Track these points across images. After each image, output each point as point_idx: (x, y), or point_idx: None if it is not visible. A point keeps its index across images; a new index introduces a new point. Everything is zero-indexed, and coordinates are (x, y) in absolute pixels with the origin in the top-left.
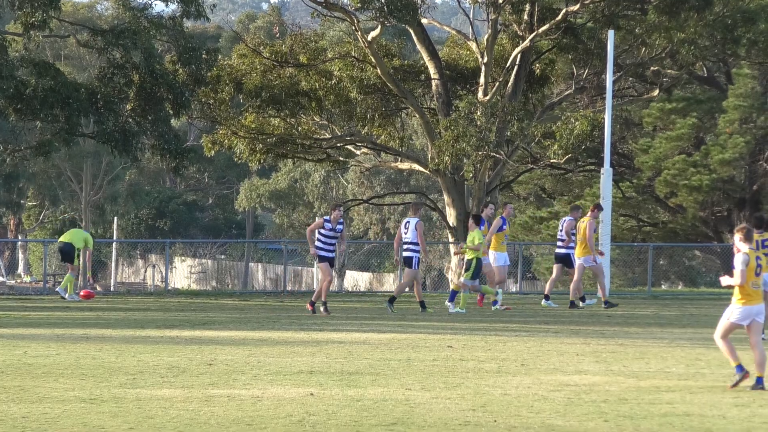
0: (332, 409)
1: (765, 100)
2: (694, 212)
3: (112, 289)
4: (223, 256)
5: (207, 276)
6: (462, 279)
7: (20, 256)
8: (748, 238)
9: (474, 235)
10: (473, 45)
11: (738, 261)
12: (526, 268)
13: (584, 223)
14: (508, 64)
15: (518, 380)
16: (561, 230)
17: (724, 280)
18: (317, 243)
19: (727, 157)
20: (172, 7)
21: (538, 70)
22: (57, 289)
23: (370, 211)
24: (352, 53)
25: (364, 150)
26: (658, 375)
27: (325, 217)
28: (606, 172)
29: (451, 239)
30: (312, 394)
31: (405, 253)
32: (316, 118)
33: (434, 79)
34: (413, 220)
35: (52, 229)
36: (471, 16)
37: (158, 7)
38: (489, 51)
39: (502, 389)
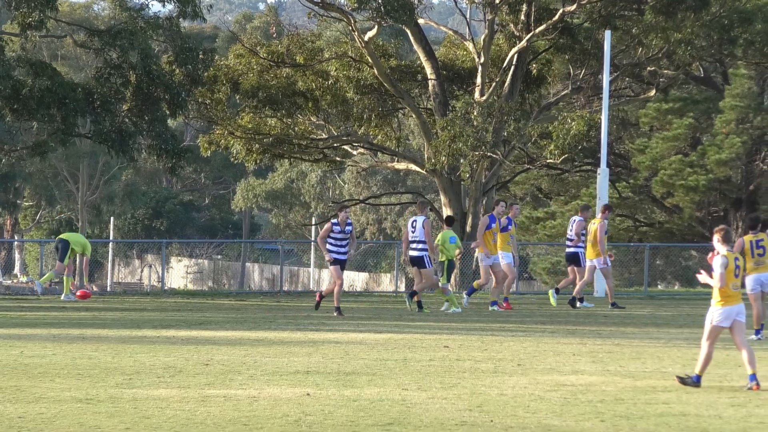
0: (329, 409)
1: (761, 101)
2: (690, 212)
3: (108, 289)
4: (219, 256)
5: (203, 276)
6: (440, 283)
7: (17, 256)
8: (726, 239)
9: (442, 236)
10: (470, 45)
11: (717, 264)
12: (523, 268)
13: (595, 225)
14: (504, 64)
15: (515, 380)
16: (571, 230)
17: (702, 278)
18: (328, 246)
19: (724, 157)
20: (169, 7)
21: (534, 71)
22: (35, 281)
23: (366, 212)
24: (349, 53)
25: (361, 150)
26: (655, 375)
27: (332, 221)
28: (602, 173)
29: None
30: (308, 394)
31: (414, 253)
32: (312, 119)
33: (431, 79)
34: (420, 219)
35: (48, 229)
36: (468, 16)
37: (155, 7)
38: (486, 51)
39: (499, 389)
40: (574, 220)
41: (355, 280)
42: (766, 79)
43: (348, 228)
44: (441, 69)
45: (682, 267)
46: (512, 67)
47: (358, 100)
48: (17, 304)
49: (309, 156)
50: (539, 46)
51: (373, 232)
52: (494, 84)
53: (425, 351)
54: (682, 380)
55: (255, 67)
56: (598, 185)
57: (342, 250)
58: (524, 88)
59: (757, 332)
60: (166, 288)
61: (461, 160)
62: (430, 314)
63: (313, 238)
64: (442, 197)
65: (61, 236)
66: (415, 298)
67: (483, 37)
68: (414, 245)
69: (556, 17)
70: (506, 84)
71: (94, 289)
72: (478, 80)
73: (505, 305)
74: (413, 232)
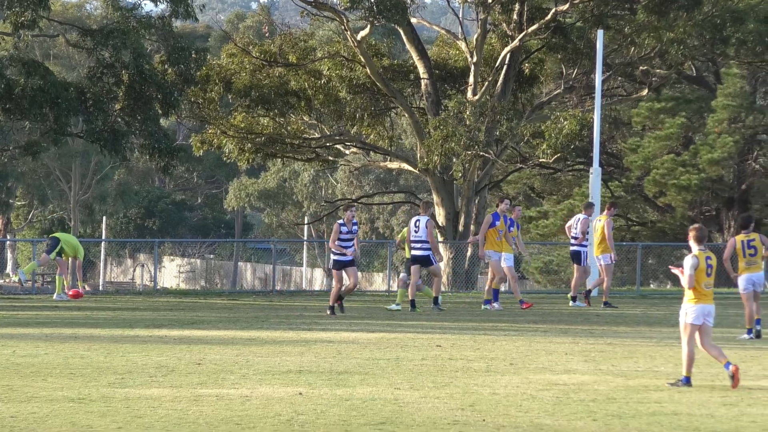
0: (321, 408)
1: (754, 100)
2: (682, 212)
3: (100, 288)
4: (212, 256)
5: (196, 275)
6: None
7: (9, 255)
8: (699, 239)
9: (403, 232)
10: (462, 44)
11: (687, 265)
12: (516, 267)
13: (602, 222)
14: (497, 63)
15: (507, 379)
16: (576, 228)
17: (674, 270)
18: (333, 250)
19: (716, 156)
20: (161, 6)
21: (527, 70)
22: (18, 270)
23: (359, 211)
24: (342, 53)
25: (353, 149)
26: (647, 374)
27: (339, 221)
28: (595, 172)
29: (440, 238)
30: (301, 393)
31: (417, 252)
32: (305, 118)
33: (423, 78)
34: (423, 219)
35: (40, 229)
36: (460, 15)
37: (147, 6)
38: (478, 50)
39: (491, 388)
40: (579, 219)
41: (347, 279)
42: (758, 79)
43: (354, 228)
44: (433, 68)
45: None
46: (505, 67)
47: (350, 99)
48: (9, 303)
49: (301, 155)
50: (532, 45)
51: (365, 231)
52: (487, 83)
53: (418, 350)
54: (673, 385)
55: (247, 66)
56: (591, 184)
57: (347, 251)
58: (517, 87)
59: (749, 331)
60: (158, 287)
61: (454, 160)
62: (422, 314)
63: (305, 238)
64: (435, 196)
65: (54, 234)
66: (410, 296)
67: (475, 36)
68: (418, 245)
69: (549, 17)
70: (499, 83)
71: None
72: (471, 79)
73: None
74: (416, 232)
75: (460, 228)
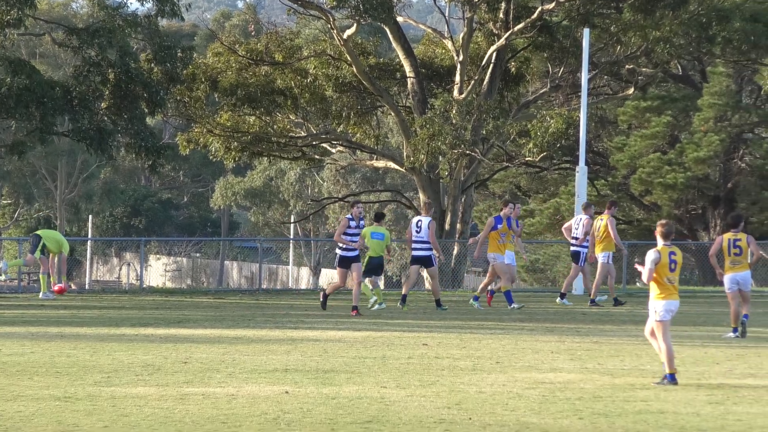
0: (307, 407)
1: (740, 98)
2: (668, 210)
3: (86, 287)
4: (198, 254)
5: (182, 274)
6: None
7: None
8: (665, 234)
9: (365, 232)
10: (449, 43)
11: (647, 259)
12: None
13: (604, 221)
14: (483, 62)
15: (493, 378)
16: (576, 228)
17: (639, 267)
18: (339, 244)
19: (702, 155)
20: (147, 5)
21: (513, 69)
22: (2, 261)
23: (345, 210)
24: (328, 51)
25: (340, 148)
26: (633, 372)
27: (348, 216)
28: (581, 170)
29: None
30: (287, 392)
31: (419, 252)
32: (291, 116)
33: (410, 77)
34: (426, 219)
35: (26, 227)
36: (447, 14)
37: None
38: (464, 49)
39: (477, 387)
40: (580, 219)
41: (333, 278)
42: (744, 77)
43: (362, 223)
44: (420, 67)
45: None
46: (491, 65)
47: (336, 98)
48: None
49: (288, 154)
50: (518, 44)
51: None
52: (473, 82)
53: (404, 349)
54: (660, 384)
55: (234, 65)
56: (577, 183)
57: (351, 246)
58: (503, 86)
59: (735, 330)
60: (144, 286)
61: (440, 158)
62: (407, 312)
63: (292, 236)
64: (421, 195)
65: (36, 232)
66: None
67: (462, 35)
68: (419, 245)
69: (535, 15)
70: (485, 82)
71: (72, 287)
72: (457, 78)
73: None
74: (418, 232)
75: (447, 227)
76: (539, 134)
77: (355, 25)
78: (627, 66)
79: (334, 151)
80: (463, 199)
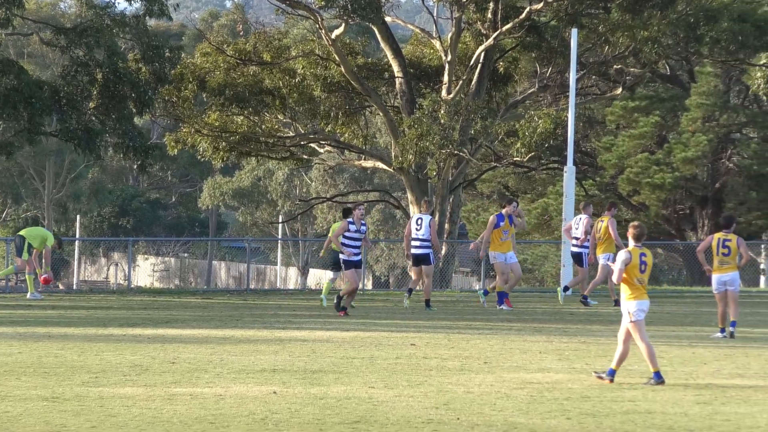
0: (295, 407)
1: (727, 99)
2: (656, 210)
3: (74, 287)
4: (186, 255)
5: (170, 274)
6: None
7: None
8: (637, 236)
9: (333, 227)
10: (437, 43)
11: (619, 260)
12: (490, 266)
13: (605, 222)
14: (471, 62)
15: (481, 378)
16: (576, 228)
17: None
18: (342, 249)
19: (690, 155)
20: (136, 5)
21: (501, 69)
22: None
23: (333, 210)
24: (316, 51)
25: (328, 148)
26: (621, 372)
27: (348, 220)
28: (569, 170)
29: None
30: (275, 392)
31: (419, 251)
32: (279, 116)
33: (398, 77)
34: (426, 217)
35: (14, 227)
36: (435, 14)
37: (121, 5)
38: (453, 49)
39: (465, 387)
40: (581, 219)
41: (321, 278)
42: (732, 77)
43: (363, 227)
44: (408, 67)
45: None
46: (479, 65)
47: (325, 98)
48: None
49: (276, 154)
50: (506, 44)
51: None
52: (461, 82)
53: (392, 349)
54: (647, 384)
55: (222, 65)
56: (565, 183)
57: (356, 251)
58: (491, 86)
59: (722, 330)
60: (132, 286)
61: (428, 158)
62: (436, 311)
63: (280, 237)
64: (409, 195)
65: (19, 233)
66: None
67: (450, 35)
68: (419, 243)
69: (523, 15)
70: (473, 82)
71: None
72: (445, 78)
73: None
74: (418, 230)
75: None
76: (527, 134)
77: (343, 25)
78: (615, 66)
79: (322, 151)
80: (451, 199)
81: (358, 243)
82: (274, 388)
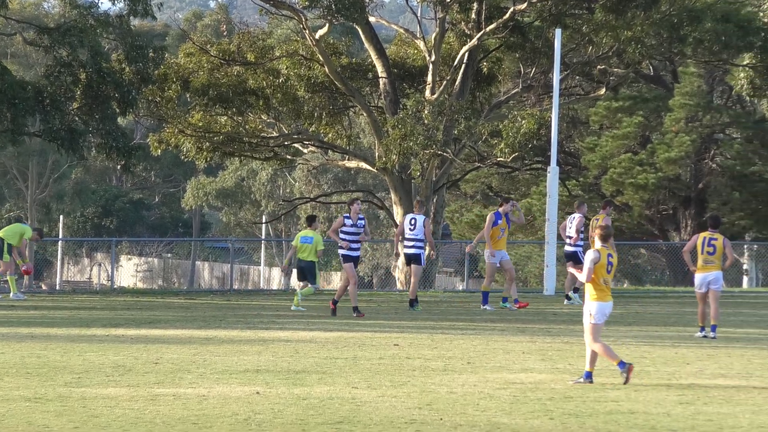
0: (278, 407)
1: (711, 99)
2: (639, 210)
3: (57, 287)
4: (169, 255)
5: (153, 274)
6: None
7: None
8: (604, 237)
9: (297, 236)
10: (421, 43)
11: (587, 258)
12: (473, 266)
13: (599, 220)
14: (455, 62)
15: (464, 378)
16: (570, 227)
17: (571, 270)
18: (341, 244)
19: (673, 155)
20: (119, 5)
21: (485, 69)
22: None
23: (317, 210)
24: (300, 51)
25: (312, 148)
26: (604, 373)
27: (344, 215)
28: (552, 171)
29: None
30: (258, 392)
31: (411, 250)
32: (263, 117)
33: (382, 77)
34: (420, 217)
35: None
36: (419, 14)
37: (105, 5)
38: (436, 49)
39: (449, 387)
40: (574, 218)
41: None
42: (716, 78)
43: (360, 222)
44: (392, 67)
45: (631, 265)
46: (463, 66)
47: (308, 98)
48: None
49: (259, 154)
50: (490, 44)
51: (323, 230)
52: (445, 82)
53: (375, 349)
54: (626, 381)
55: (205, 65)
56: (548, 183)
57: (353, 245)
58: (475, 86)
59: (702, 329)
60: (115, 286)
61: (412, 159)
62: (422, 312)
63: (263, 237)
64: (393, 195)
65: None
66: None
67: (434, 35)
68: (412, 243)
69: (507, 16)
70: (457, 82)
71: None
72: (429, 78)
73: (518, 304)
74: (412, 230)
75: None
76: (511, 134)
77: (327, 25)
78: (599, 66)
79: (306, 151)
80: (434, 200)
81: (354, 238)
82: (257, 388)
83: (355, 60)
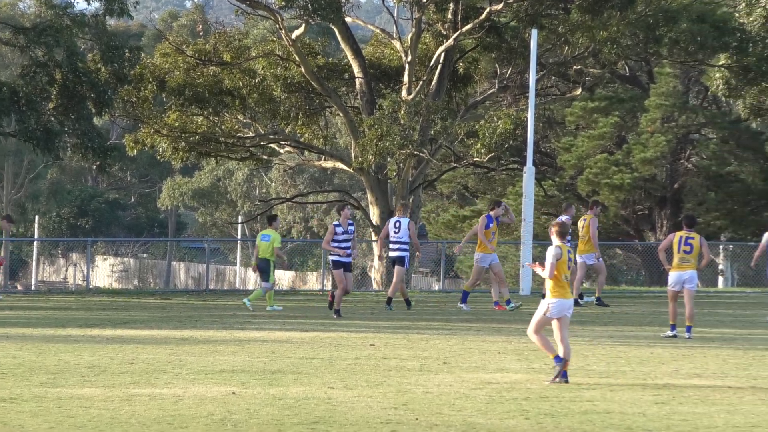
0: (254, 407)
1: (686, 99)
2: (615, 210)
3: (33, 287)
4: (145, 255)
5: (129, 275)
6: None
7: None
8: (562, 234)
9: (276, 238)
10: (397, 44)
11: (549, 254)
12: (449, 266)
13: (586, 221)
14: (431, 62)
15: (440, 378)
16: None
17: (531, 266)
18: (331, 252)
19: (649, 155)
20: (95, 5)
21: (461, 69)
22: None
23: (293, 210)
24: (276, 52)
25: (288, 148)
26: (579, 373)
27: (334, 223)
28: (528, 171)
29: (374, 238)
30: (234, 392)
31: (396, 253)
32: (239, 117)
33: (358, 77)
34: (404, 220)
35: None
36: (395, 14)
37: (81, 5)
38: (413, 50)
39: (424, 387)
40: (561, 219)
41: (281, 278)
42: (691, 78)
43: (351, 228)
44: (368, 67)
45: (606, 265)
46: (439, 66)
47: (285, 98)
48: None
49: (236, 154)
50: (466, 44)
51: (299, 230)
52: (421, 83)
53: (351, 349)
54: (558, 378)
55: (181, 65)
56: (524, 183)
57: (345, 251)
58: (451, 86)
59: (673, 327)
60: (91, 287)
61: (388, 159)
62: (417, 311)
63: (239, 237)
64: (369, 195)
65: None
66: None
67: (410, 35)
68: (397, 245)
69: (483, 16)
70: (433, 83)
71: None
72: (406, 79)
73: (497, 306)
74: (396, 233)
75: None
76: (487, 135)
77: (303, 25)
78: (575, 67)
79: (282, 151)
80: (411, 200)
81: (346, 245)
82: (233, 388)
83: (331, 60)
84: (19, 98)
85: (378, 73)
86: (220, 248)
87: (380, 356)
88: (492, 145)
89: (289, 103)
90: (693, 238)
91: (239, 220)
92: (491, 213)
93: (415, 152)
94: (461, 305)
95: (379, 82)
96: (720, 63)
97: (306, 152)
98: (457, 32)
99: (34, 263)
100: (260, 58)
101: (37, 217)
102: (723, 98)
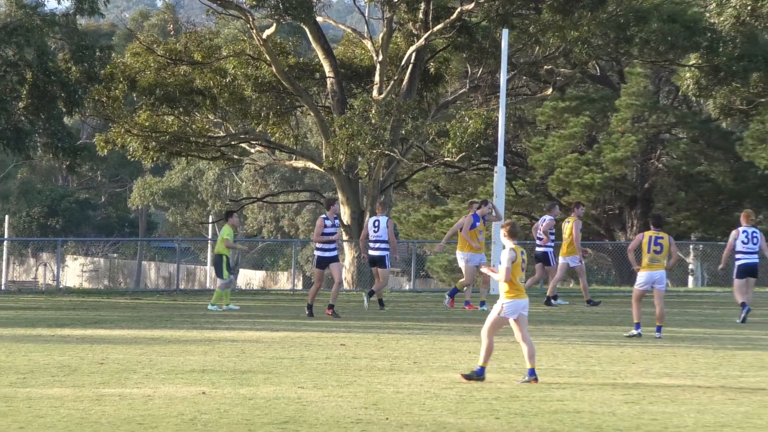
0: (224, 407)
1: (657, 99)
2: (586, 210)
3: (2, 287)
4: (115, 255)
5: (99, 274)
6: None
7: None
8: (513, 234)
9: (225, 230)
10: (368, 43)
11: (504, 257)
12: (420, 266)
13: (570, 223)
14: (403, 62)
15: (411, 378)
16: (539, 229)
17: (485, 270)
18: (317, 245)
19: (619, 155)
20: (66, 4)
21: (432, 69)
22: None
23: (264, 210)
24: (247, 51)
25: (259, 148)
26: (549, 372)
27: (323, 216)
28: (499, 171)
29: (345, 237)
30: (204, 392)
31: (376, 252)
32: (210, 116)
33: (329, 77)
34: (383, 219)
35: None
36: (366, 14)
37: (51, 4)
38: (384, 49)
39: (395, 387)
40: (544, 220)
41: (252, 278)
42: (662, 78)
43: (336, 222)
44: (339, 67)
45: None
46: (410, 66)
47: (256, 98)
48: None
49: (206, 154)
50: (437, 44)
51: (270, 230)
52: (392, 82)
53: (322, 349)
54: (468, 377)
55: (152, 64)
56: (495, 183)
57: (329, 246)
58: (422, 86)
59: (637, 326)
60: (61, 286)
61: (359, 158)
62: (388, 311)
63: (210, 237)
64: (340, 195)
65: None
66: (374, 297)
67: (381, 35)
68: (376, 245)
69: (454, 16)
70: (404, 82)
71: None
72: (377, 78)
73: (468, 306)
74: (375, 232)
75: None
76: (458, 134)
77: (274, 24)
78: (545, 66)
79: (253, 151)
80: (381, 199)
81: (332, 238)
82: (203, 388)
83: (302, 60)
84: None
85: (349, 73)
86: (191, 248)
87: (351, 356)
88: (463, 144)
89: (260, 103)
90: (662, 237)
91: (210, 220)
92: (478, 212)
93: (386, 152)
94: (445, 302)
95: (350, 81)
96: (690, 63)
97: (277, 152)
98: (429, 32)
99: (3, 263)
100: (231, 58)
101: (7, 216)
102: (693, 98)
